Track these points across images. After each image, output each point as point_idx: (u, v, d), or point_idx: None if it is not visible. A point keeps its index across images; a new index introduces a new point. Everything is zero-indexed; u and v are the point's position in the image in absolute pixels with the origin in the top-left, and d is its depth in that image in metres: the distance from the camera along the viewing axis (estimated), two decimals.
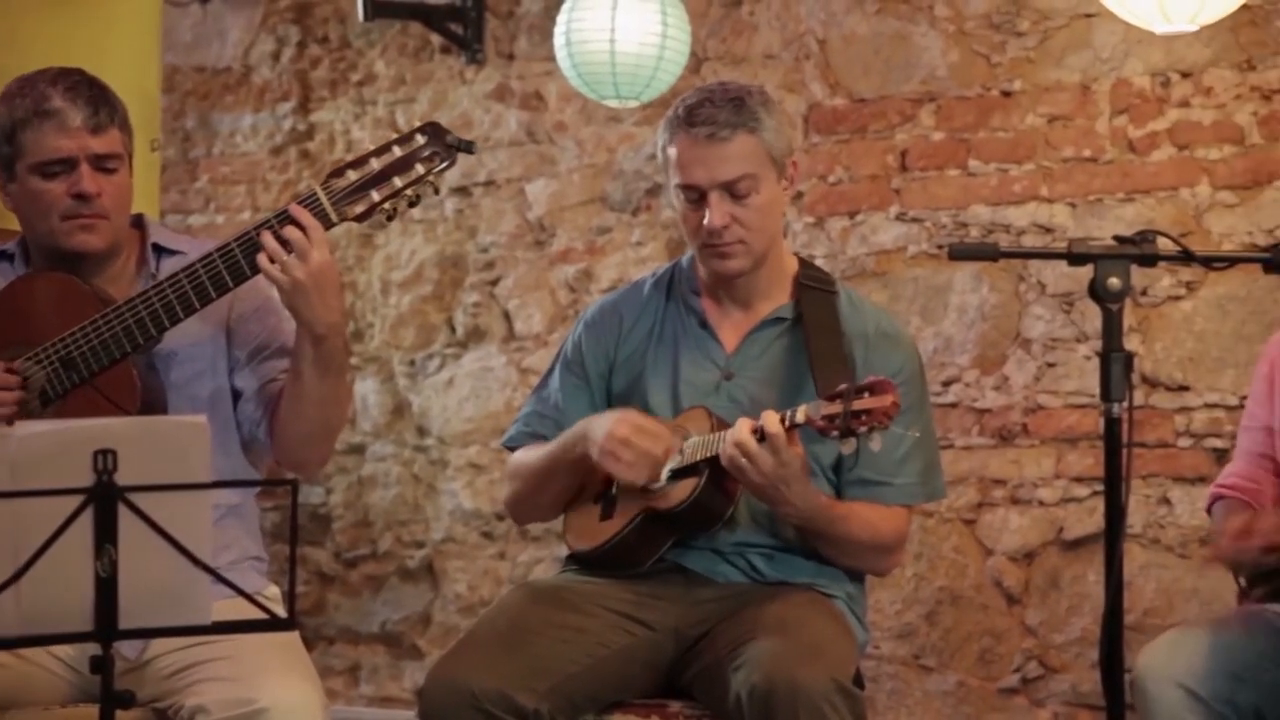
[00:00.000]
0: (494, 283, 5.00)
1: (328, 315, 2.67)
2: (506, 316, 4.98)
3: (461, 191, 5.03)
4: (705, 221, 2.88)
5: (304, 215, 2.65)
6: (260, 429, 2.84)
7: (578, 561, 3.04)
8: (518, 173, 4.96)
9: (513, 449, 3.14)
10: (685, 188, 2.91)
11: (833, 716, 2.56)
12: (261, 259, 2.65)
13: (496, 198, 4.99)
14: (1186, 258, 2.63)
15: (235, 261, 2.68)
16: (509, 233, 4.97)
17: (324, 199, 2.68)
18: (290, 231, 2.64)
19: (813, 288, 3.00)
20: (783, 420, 2.70)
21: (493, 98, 5.01)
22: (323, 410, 2.77)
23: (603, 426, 2.88)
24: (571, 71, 4.26)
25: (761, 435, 2.70)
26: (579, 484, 3.00)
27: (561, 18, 4.27)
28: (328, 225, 2.68)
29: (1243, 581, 2.56)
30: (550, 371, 3.16)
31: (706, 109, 2.88)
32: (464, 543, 5.01)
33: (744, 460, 2.70)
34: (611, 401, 3.05)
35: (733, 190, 2.88)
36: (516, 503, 3.13)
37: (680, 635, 2.88)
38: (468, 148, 2.72)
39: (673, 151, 2.92)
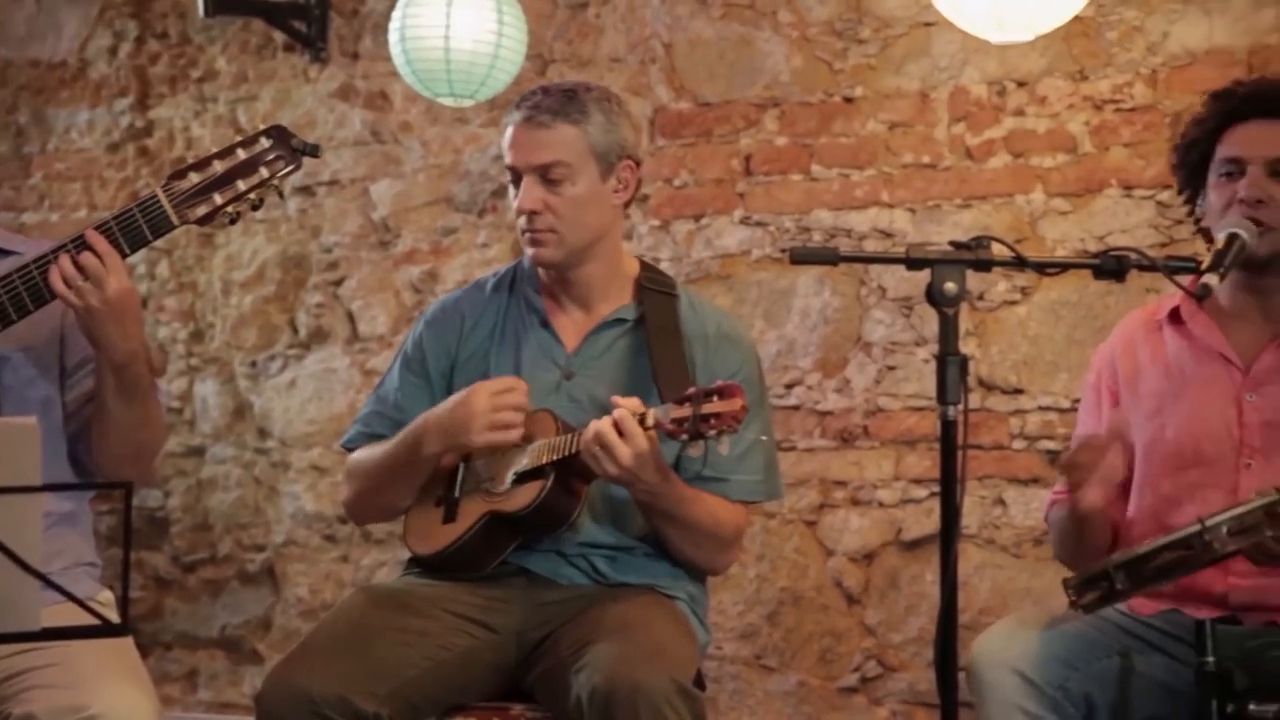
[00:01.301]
0: (338, 283, 4.95)
1: (126, 343, 2.63)
2: (350, 317, 4.93)
3: (305, 191, 4.97)
4: (517, 203, 2.92)
5: (99, 242, 2.60)
6: (79, 445, 2.79)
7: (420, 565, 3.01)
8: (362, 173, 4.92)
9: (351, 449, 3.11)
10: (510, 170, 2.97)
11: (673, 717, 2.56)
12: (56, 282, 2.60)
13: (340, 197, 4.94)
14: (1020, 263, 2.67)
15: (34, 284, 2.62)
16: (353, 233, 4.93)
17: (165, 201, 2.63)
18: (86, 258, 2.59)
19: (653, 290, 3.02)
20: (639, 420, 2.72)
21: (337, 97, 4.96)
22: (132, 434, 2.73)
23: (461, 413, 2.86)
24: (406, 69, 4.22)
25: (620, 429, 2.71)
26: (419, 484, 2.97)
27: (396, 14, 4.23)
28: (169, 229, 2.63)
29: (1072, 594, 2.61)
30: (390, 371, 3.13)
31: (538, 97, 2.95)
32: (306, 546, 4.95)
33: (599, 450, 2.71)
34: None
35: (546, 175, 2.91)
36: (355, 503, 3.10)
37: (522, 638, 2.87)
38: (312, 151, 2.70)
39: (505, 136, 2.97)
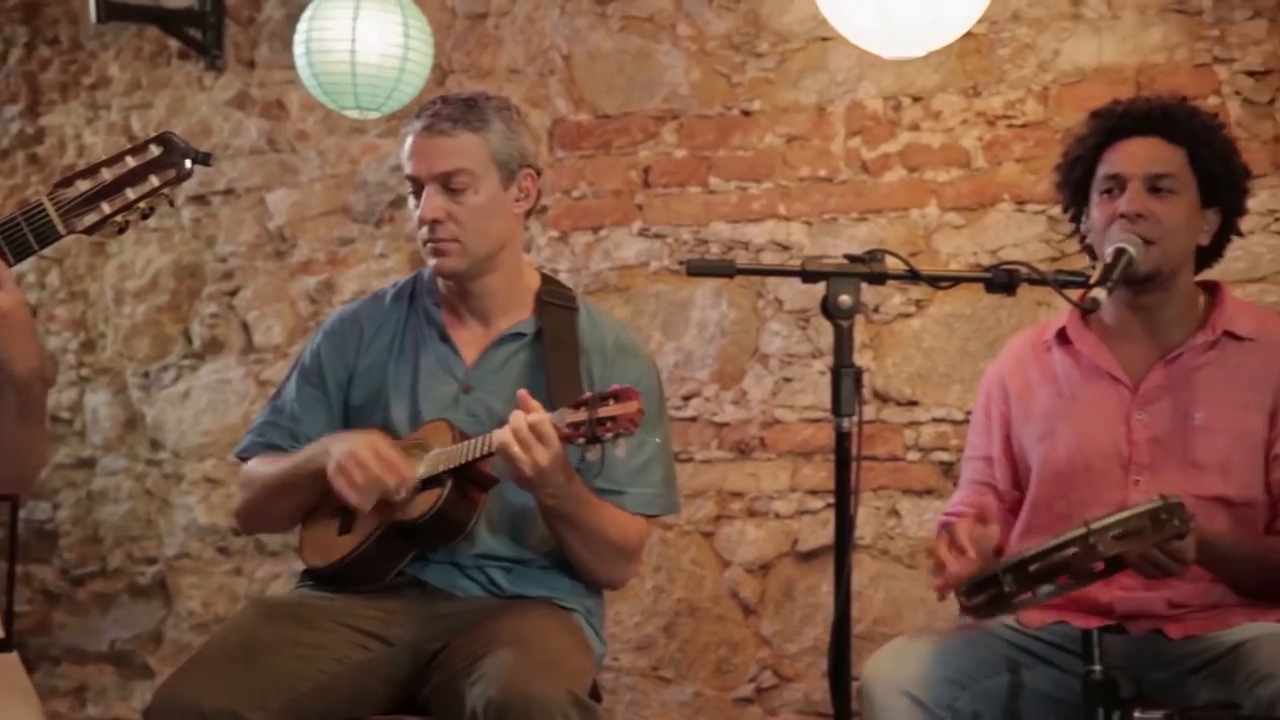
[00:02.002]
0: (233, 293, 4.90)
1: (25, 361, 2.50)
2: (245, 328, 4.88)
3: (199, 200, 4.91)
4: (419, 213, 2.90)
5: None
6: None
7: (314, 577, 2.99)
8: (258, 182, 4.88)
9: (245, 459, 3.08)
10: (410, 180, 2.95)
11: None
12: None
13: (236, 207, 4.90)
14: (913, 277, 2.70)
15: None
16: (248, 242, 4.88)
17: (51, 210, 2.58)
18: None
19: (553, 304, 3.01)
20: None
21: (232, 105, 4.91)
22: (17, 460, 2.59)
23: (345, 444, 2.84)
24: (312, 81, 4.19)
25: (534, 429, 2.70)
26: (314, 499, 2.95)
27: (302, 26, 4.19)
28: (55, 238, 2.58)
29: (963, 599, 2.64)
30: (287, 381, 3.11)
31: (438, 106, 2.94)
32: (199, 558, 4.89)
33: (519, 450, 2.69)
34: (349, 413, 3.02)
35: (448, 184, 2.90)
36: (246, 512, 3.07)
37: (418, 650, 2.85)
38: (204, 159, 2.66)
39: (404, 147, 2.95)
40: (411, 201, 2.96)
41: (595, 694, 2.82)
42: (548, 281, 3.08)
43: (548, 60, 4.53)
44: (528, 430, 2.69)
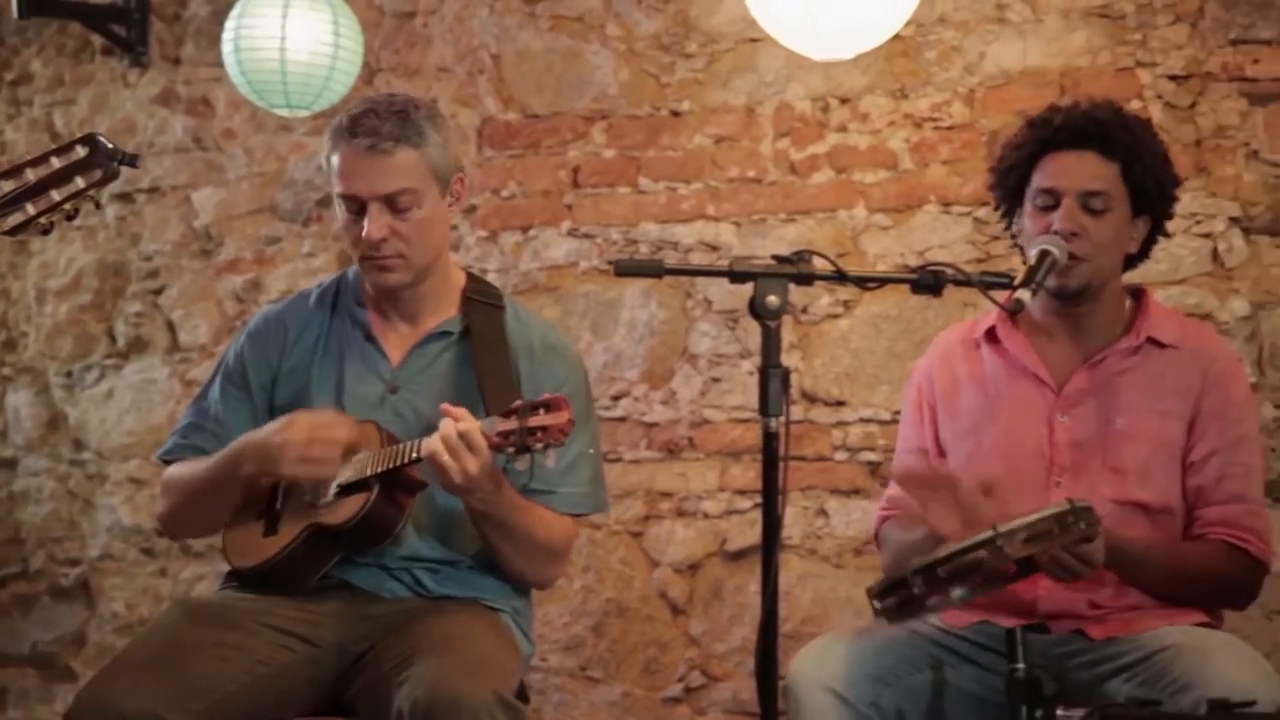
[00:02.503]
0: (157, 292, 4.85)
1: None
2: (170, 327, 4.84)
3: (124, 198, 4.87)
4: (364, 233, 2.87)
5: None
6: None
7: (239, 578, 2.97)
8: (184, 180, 4.83)
9: (169, 462, 3.05)
10: (346, 198, 2.90)
11: None
12: None
13: (161, 205, 4.85)
14: (840, 277, 2.71)
15: None
16: (174, 241, 4.84)
17: None
18: None
19: (480, 302, 3.01)
20: None
21: (157, 102, 4.87)
22: None
23: (278, 440, 2.82)
24: (240, 79, 4.16)
25: (464, 438, 2.69)
26: (236, 503, 2.93)
27: (230, 24, 4.16)
28: None
29: (875, 602, 2.65)
30: (210, 382, 3.08)
31: (370, 120, 2.87)
32: (123, 560, 4.85)
33: (449, 459, 2.69)
34: (274, 414, 2.99)
35: (392, 204, 2.87)
36: (171, 518, 3.05)
37: (344, 651, 2.84)
38: (130, 161, 2.63)
39: (335, 160, 2.90)
40: (343, 213, 2.92)
41: (523, 694, 2.82)
42: (473, 280, 3.08)
43: (476, 59, 4.52)
44: (457, 439, 2.68)
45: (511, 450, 2.66)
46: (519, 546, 2.89)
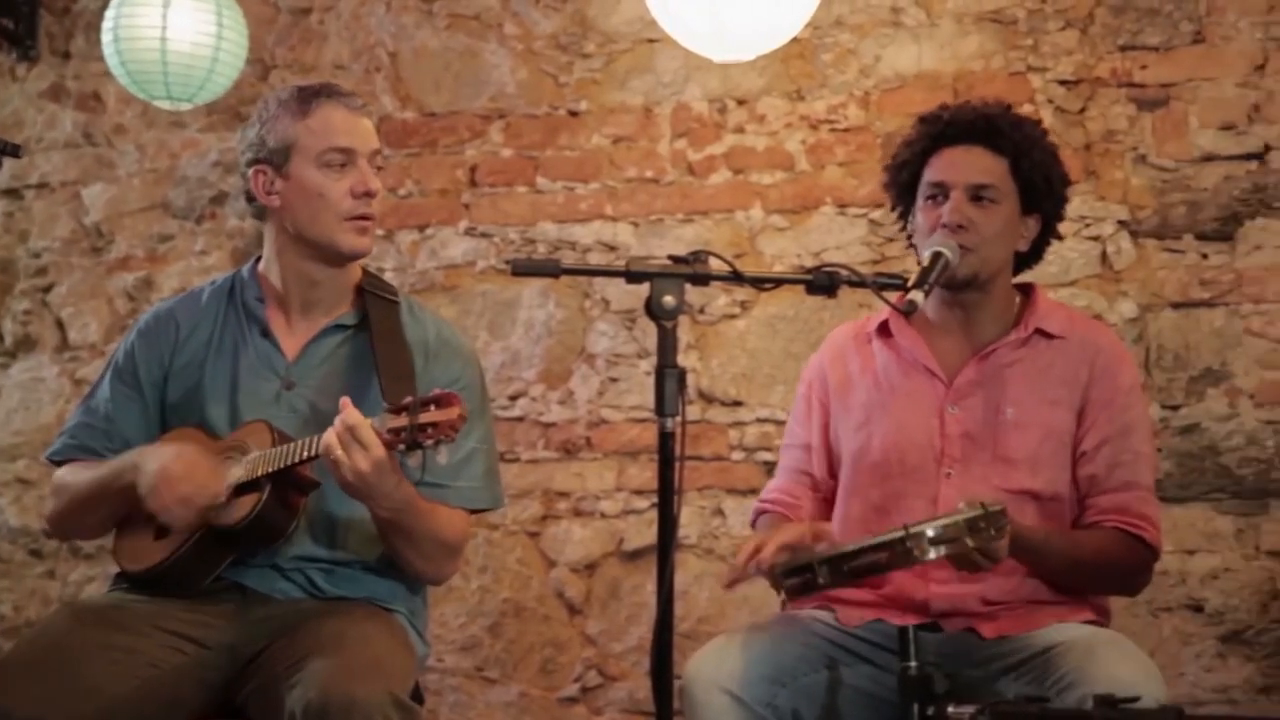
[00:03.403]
0: (46, 289, 4.78)
1: None
2: (60, 325, 4.76)
3: (11, 194, 4.78)
4: (360, 184, 2.89)
5: None
6: None
7: (130, 581, 2.93)
8: (73, 176, 4.76)
9: (59, 462, 3.00)
10: (339, 150, 2.90)
11: None
12: None
13: (50, 201, 4.77)
14: (735, 278, 2.72)
15: None
16: (63, 238, 4.76)
17: None
18: None
19: (376, 296, 2.99)
20: None
21: (46, 97, 4.79)
22: None
23: (155, 461, 2.79)
24: (120, 69, 4.09)
25: (352, 434, 2.67)
26: (126, 511, 2.89)
27: (110, 13, 4.10)
28: None
29: (781, 579, 2.67)
30: (100, 381, 3.04)
31: (338, 87, 2.96)
32: (10, 561, 4.76)
33: (341, 455, 2.66)
34: (166, 412, 2.96)
35: (375, 162, 2.95)
36: (59, 520, 3.00)
37: (236, 653, 2.81)
38: (13, 151, 2.59)
39: (318, 117, 2.91)
40: (326, 173, 2.90)
41: (417, 695, 2.81)
42: (369, 275, 3.07)
43: (373, 57, 4.50)
44: (348, 435, 2.66)
45: (403, 447, 2.65)
46: (417, 543, 2.87)
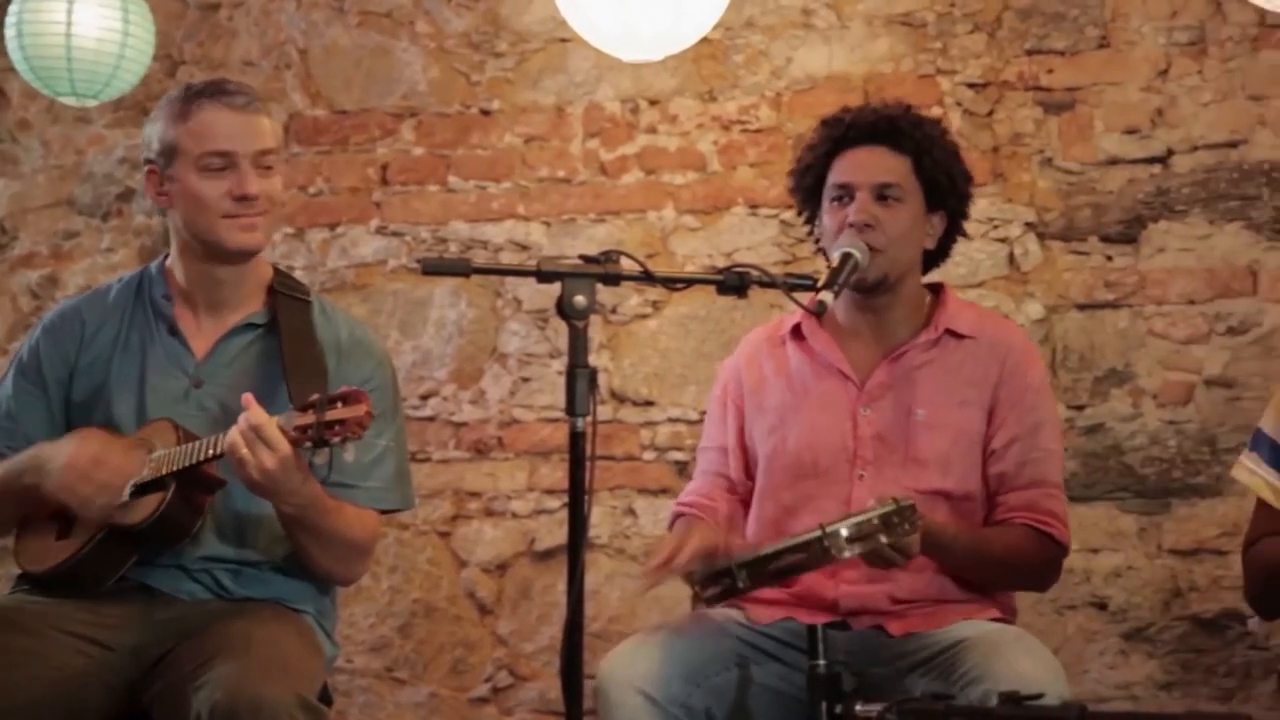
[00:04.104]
0: None
1: None
2: None
3: None
4: (239, 187, 2.84)
5: None
6: None
7: (31, 582, 2.89)
8: None
9: None
10: (217, 154, 2.86)
11: None
12: None
13: None
14: (646, 278, 2.73)
15: None
16: None
17: None
18: None
19: (287, 295, 2.97)
20: None
21: None
22: None
23: (60, 456, 2.75)
24: (24, 65, 4.04)
25: (257, 433, 2.65)
26: (29, 508, 2.85)
27: (13, 8, 4.04)
28: None
29: (697, 588, 2.69)
30: (3, 379, 3.00)
31: (231, 85, 2.91)
32: None
33: (246, 453, 2.65)
34: (71, 411, 2.93)
35: (260, 163, 2.88)
36: None
37: (140, 655, 2.77)
38: None
39: (198, 119, 2.86)
40: (204, 176, 2.86)
41: (326, 697, 2.79)
42: (280, 275, 3.05)
43: (283, 54, 4.46)
44: (252, 433, 2.64)
45: (309, 444, 2.63)
46: (325, 543, 2.85)
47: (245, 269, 2.95)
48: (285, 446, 2.65)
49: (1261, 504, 2.97)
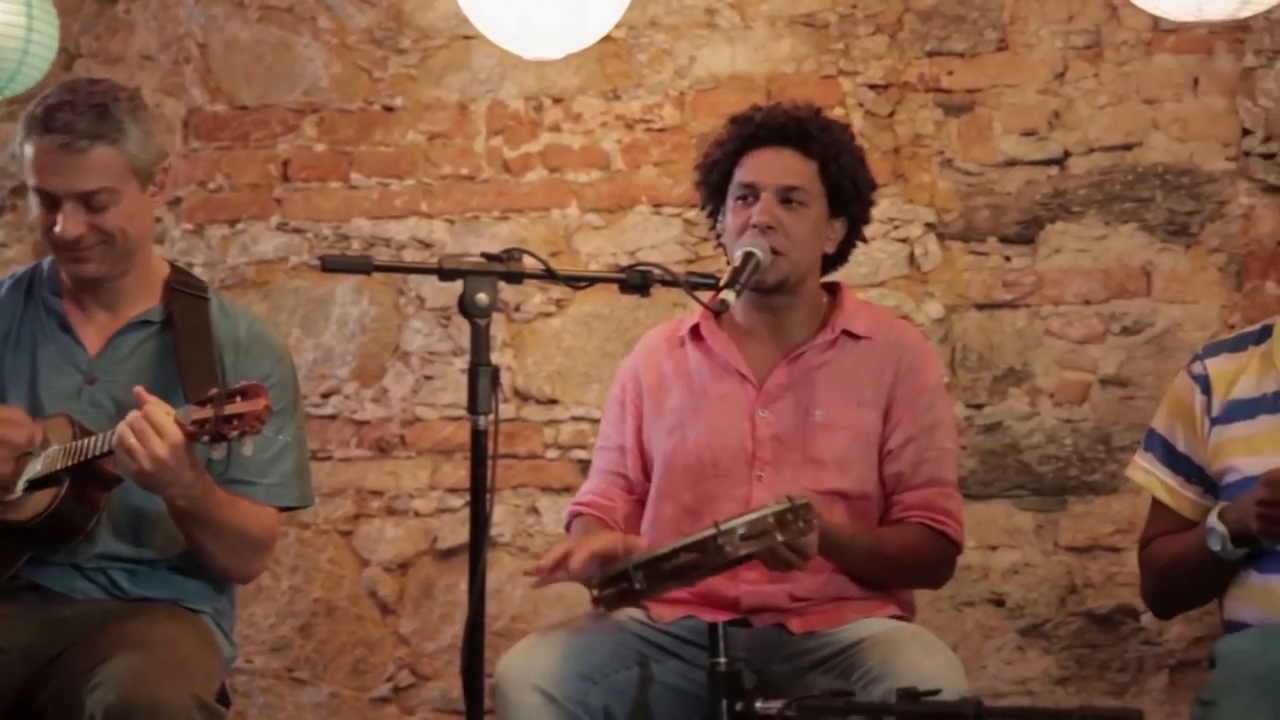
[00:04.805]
0: None
1: None
2: None
3: None
4: (58, 230, 2.78)
5: None
6: None
7: None
8: None
9: None
10: (40, 192, 2.80)
11: None
12: None
13: None
14: (549, 276, 2.74)
15: None
16: None
17: None
18: None
19: (184, 292, 2.94)
20: None
21: None
22: None
23: None
24: None
25: (149, 420, 2.62)
26: None
27: None
28: None
29: (595, 592, 2.68)
30: None
31: (66, 114, 2.78)
32: None
33: (135, 443, 2.61)
34: None
35: (89, 202, 2.79)
36: None
37: (33, 656, 2.74)
38: None
39: (29, 152, 2.81)
40: (37, 206, 2.83)
41: (223, 698, 2.77)
42: (177, 271, 3.02)
43: (183, 48, 4.41)
44: (144, 423, 2.61)
45: (207, 439, 2.61)
46: (220, 540, 2.82)
47: (134, 275, 2.91)
48: (177, 434, 2.61)
49: (1157, 503, 3.03)
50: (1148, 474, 3.02)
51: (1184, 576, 2.94)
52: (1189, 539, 2.90)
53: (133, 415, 2.63)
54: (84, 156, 2.77)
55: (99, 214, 2.80)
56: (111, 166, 2.79)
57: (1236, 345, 3.01)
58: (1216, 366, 2.98)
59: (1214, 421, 2.94)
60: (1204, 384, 2.97)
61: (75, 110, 2.78)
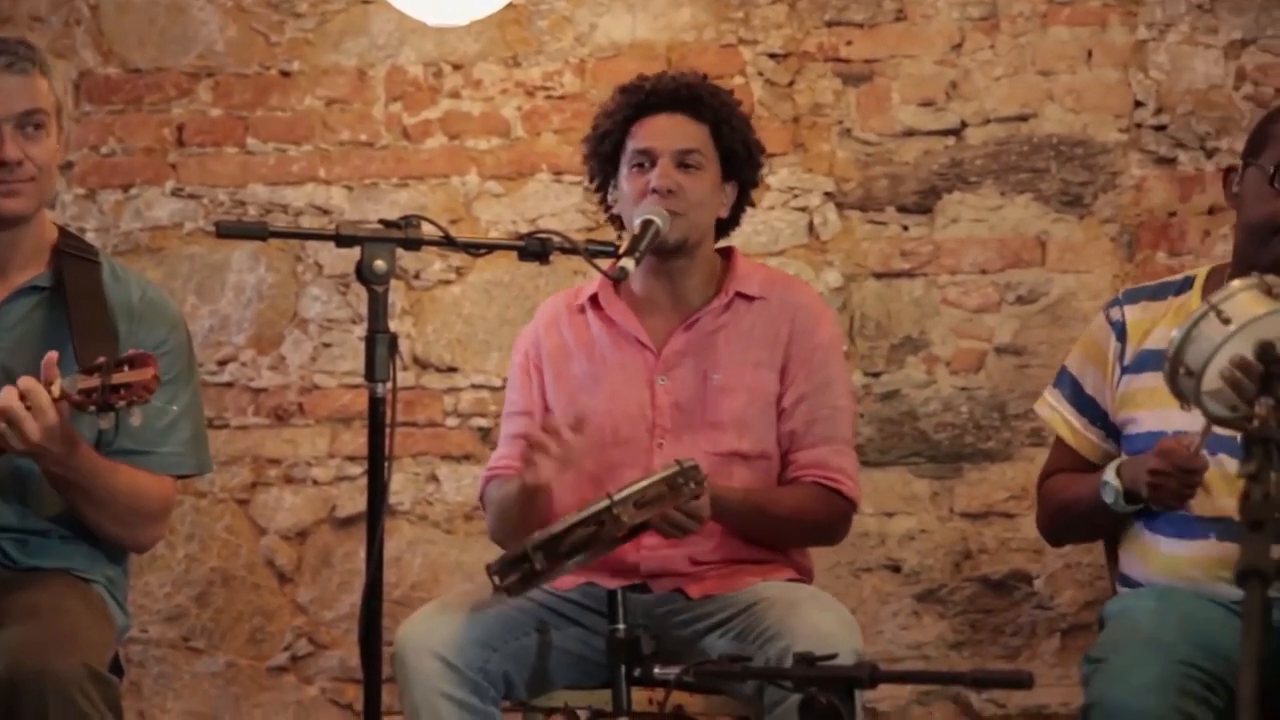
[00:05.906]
0: None
1: None
2: None
3: None
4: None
5: None
6: None
7: None
8: None
9: None
10: None
11: (85, 704, 2.47)
12: None
13: None
14: (447, 243, 2.73)
15: None
16: None
17: None
18: None
19: (74, 256, 2.90)
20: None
21: None
22: None
23: None
24: None
25: (27, 401, 2.57)
26: None
27: None
28: None
29: (496, 579, 2.68)
30: None
31: (3, 42, 2.80)
32: None
33: (6, 426, 2.57)
34: None
35: (25, 125, 2.78)
36: None
37: None
38: None
39: None
40: None
41: (117, 667, 2.74)
42: (67, 235, 2.97)
43: (73, 9, 4.33)
44: (17, 402, 2.57)
45: (94, 409, 2.57)
46: (104, 509, 2.79)
47: (21, 231, 2.86)
48: (52, 412, 2.57)
49: (1059, 440, 3.07)
50: (1053, 410, 3.05)
51: (1078, 519, 3.00)
52: (1086, 483, 2.92)
53: (8, 393, 2.58)
54: (25, 78, 2.78)
55: (34, 140, 2.78)
56: (46, 94, 2.81)
57: (1157, 293, 3.00)
58: (1134, 314, 2.97)
59: (1125, 370, 2.95)
60: (1120, 330, 2.98)
61: (8, 43, 2.80)
